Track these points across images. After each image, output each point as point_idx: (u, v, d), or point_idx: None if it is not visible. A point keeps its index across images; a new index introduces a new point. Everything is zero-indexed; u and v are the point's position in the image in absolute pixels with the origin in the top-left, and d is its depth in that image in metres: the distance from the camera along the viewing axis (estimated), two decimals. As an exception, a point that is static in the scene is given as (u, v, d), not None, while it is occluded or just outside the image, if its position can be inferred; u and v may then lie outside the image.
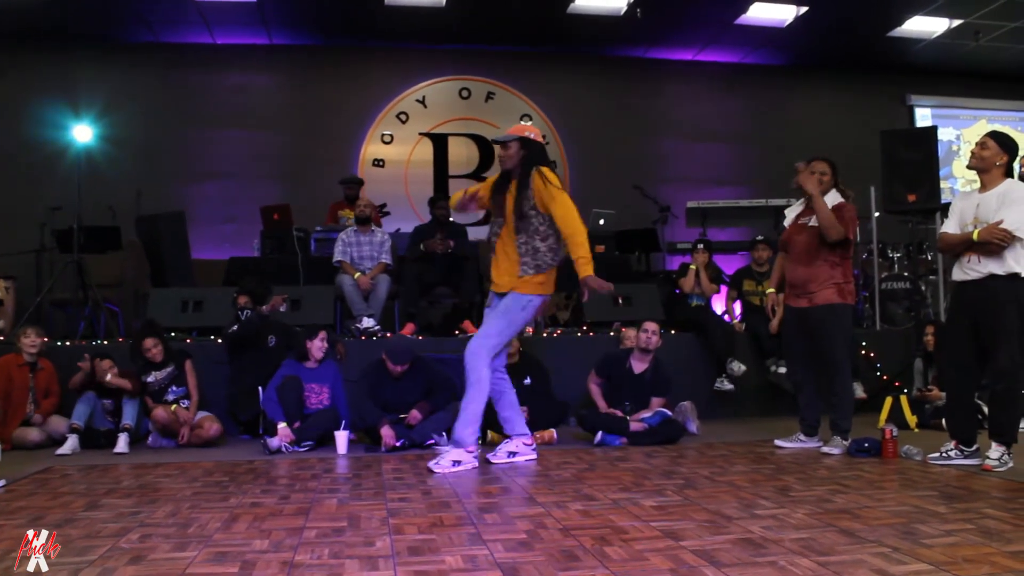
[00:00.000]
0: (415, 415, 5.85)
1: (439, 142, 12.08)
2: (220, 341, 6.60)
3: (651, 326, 6.19)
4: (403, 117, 11.99)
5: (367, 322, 7.35)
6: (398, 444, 5.68)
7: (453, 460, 4.86)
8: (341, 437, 5.70)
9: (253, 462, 5.29)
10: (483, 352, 4.92)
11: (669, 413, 6.10)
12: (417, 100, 12.05)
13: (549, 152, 12.13)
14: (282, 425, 5.78)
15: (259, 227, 8.95)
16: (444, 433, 5.88)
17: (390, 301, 7.78)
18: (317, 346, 6.22)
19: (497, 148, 5.09)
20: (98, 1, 10.06)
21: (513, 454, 5.16)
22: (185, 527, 3.43)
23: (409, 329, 7.42)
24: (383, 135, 11.91)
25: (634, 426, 5.92)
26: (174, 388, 6.30)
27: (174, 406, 6.17)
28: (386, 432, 5.66)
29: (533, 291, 4.97)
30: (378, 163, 11.84)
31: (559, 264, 5.05)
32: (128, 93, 11.08)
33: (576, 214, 4.85)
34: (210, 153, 11.32)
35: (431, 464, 4.87)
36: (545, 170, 4.94)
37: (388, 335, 7.32)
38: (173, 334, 7.02)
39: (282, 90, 11.77)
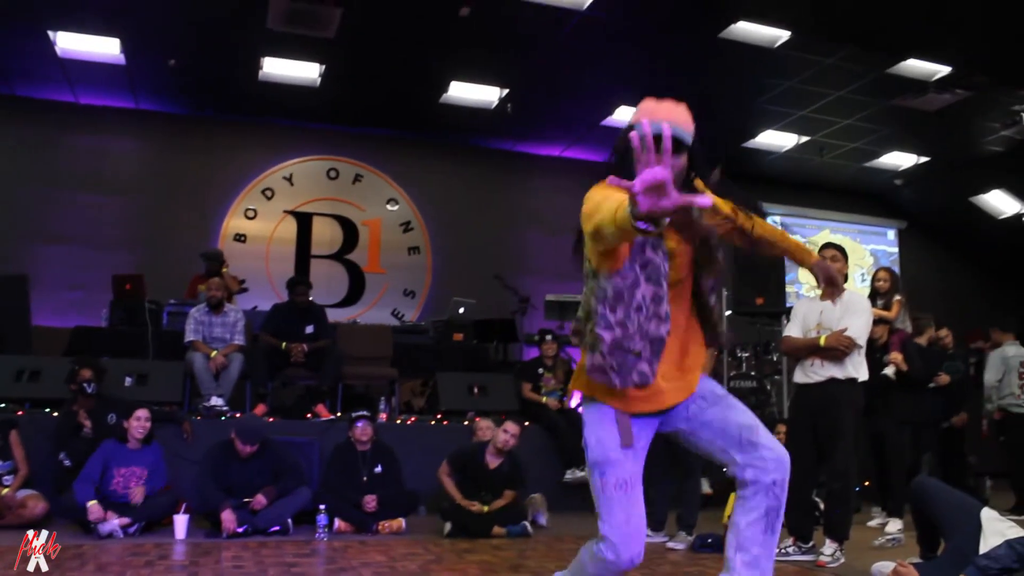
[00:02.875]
0: (260, 500, 5.68)
1: (303, 221, 11.99)
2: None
3: (511, 428, 6.10)
4: (268, 193, 11.87)
5: (215, 400, 7.13)
6: (240, 530, 5.48)
7: None
8: (180, 521, 5.44)
9: (81, 546, 5.00)
10: None
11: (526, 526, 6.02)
12: (284, 177, 11.97)
13: (413, 238, 12.37)
14: (92, 503, 5.41)
15: (109, 296, 8.63)
16: (290, 519, 5.73)
17: (241, 381, 7.58)
18: (135, 425, 5.84)
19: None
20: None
21: None
22: (0, 618, 3.21)
23: (260, 410, 7.24)
24: (247, 210, 11.73)
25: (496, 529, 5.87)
26: None
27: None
28: (227, 517, 5.45)
29: None
30: (239, 238, 11.63)
31: None
32: (-28, 146, 10.59)
33: None
34: (61, 215, 10.85)
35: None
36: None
37: (238, 415, 7.11)
38: (4, 405, 6.63)
39: (144, 156, 11.47)
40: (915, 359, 6.66)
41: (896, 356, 6.55)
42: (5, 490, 5.77)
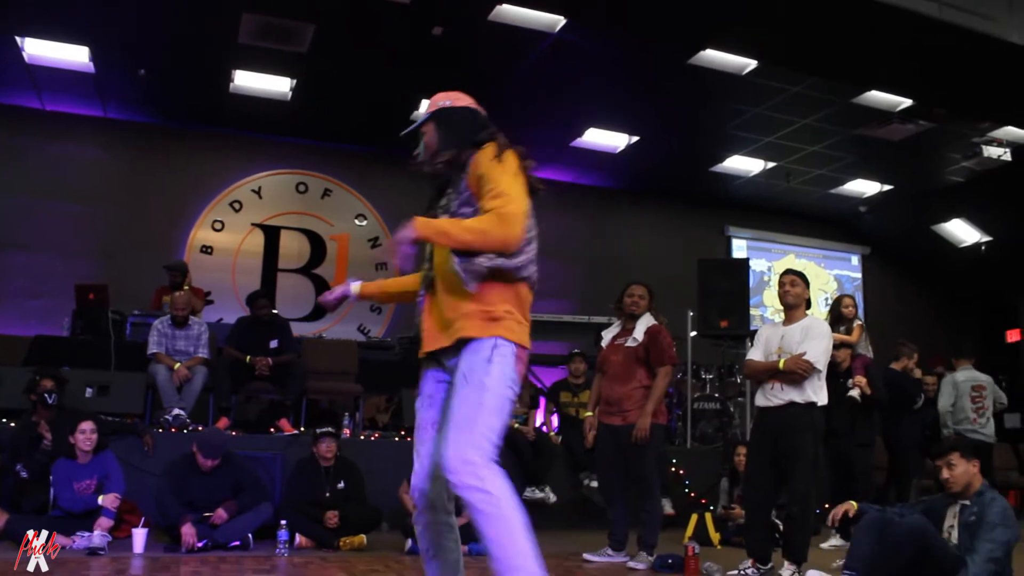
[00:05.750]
0: (220, 514, 5.64)
1: (271, 234, 11.94)
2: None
3: None
4: (236, 205, 11.82)
5: (177, 412, 7.07)
6: (200, 545, 5.44)
7: None
8: (138, 535, 5.39)
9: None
10: (476, 458, 2.84)
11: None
12: (252, 190, 11.93)
13: (381, 254, 12.30)
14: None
15: (71, 305, 8.52)
16: (251, 534, 5.69)
17: (205, 393, 7.53)
18: (81, 439, 5.71)
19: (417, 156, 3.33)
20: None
21: None
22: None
23: (223, 423, 7.19)
24: (214, 221, 11.66)
25: None
26: None
27: None
28: (187, 531, 5.41)
29: (498, 332, 2.84)
30: (206, 250, 11.56)
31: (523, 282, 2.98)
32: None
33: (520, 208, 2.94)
34: (24, 222, 10.68)
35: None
36: (494, 145, 3.08)
37: (200, 428, 7.06)
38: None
39: (111, 165, 11.35)
40: (878, 383, 6.82)
41: (860, 379, 6.69)
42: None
